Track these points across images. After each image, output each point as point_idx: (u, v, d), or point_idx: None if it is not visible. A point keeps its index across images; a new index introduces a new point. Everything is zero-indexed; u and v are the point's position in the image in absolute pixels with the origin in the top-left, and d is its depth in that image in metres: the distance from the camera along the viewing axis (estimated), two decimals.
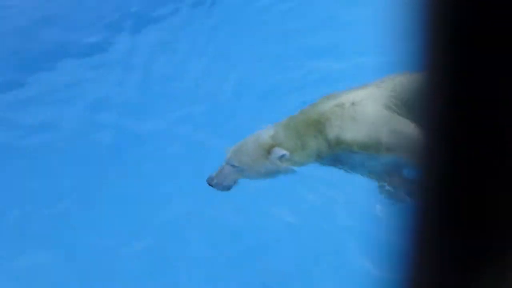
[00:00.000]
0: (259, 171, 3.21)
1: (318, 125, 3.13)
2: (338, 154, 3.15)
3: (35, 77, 5.08)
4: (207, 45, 5.07)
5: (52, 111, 4.67)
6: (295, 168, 3.21)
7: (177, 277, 3.46)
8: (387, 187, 3.13)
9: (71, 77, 4.99)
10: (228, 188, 3.27)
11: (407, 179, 3.08)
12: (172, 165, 3.98)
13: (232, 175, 3.24)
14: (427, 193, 0.77)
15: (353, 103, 3.09)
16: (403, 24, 0.66)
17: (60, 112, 4.65)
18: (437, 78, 0.76)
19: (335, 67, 4.43)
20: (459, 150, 0.71)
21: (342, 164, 3.20)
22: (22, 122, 4.63)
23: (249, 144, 3.22)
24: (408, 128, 2.96)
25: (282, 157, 3.12)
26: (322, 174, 3.37)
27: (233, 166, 3.23)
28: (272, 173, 3.22)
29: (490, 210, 0.68)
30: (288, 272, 3.37)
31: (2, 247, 3.81)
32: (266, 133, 3.21)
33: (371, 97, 3.10)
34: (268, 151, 3.15)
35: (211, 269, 3.44)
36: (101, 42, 5.28)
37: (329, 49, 4.64)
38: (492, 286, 0.73)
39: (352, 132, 3.04)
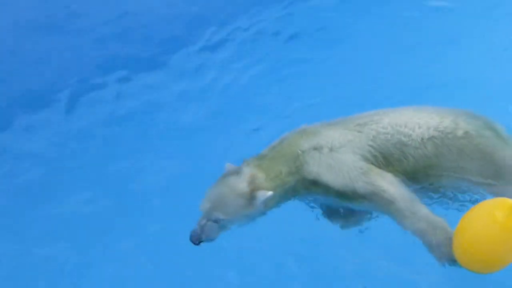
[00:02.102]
0: (245, 219, 3.11)
1: (293, 166, 3.07)
2: (314, 196, 3.14)
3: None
4: None
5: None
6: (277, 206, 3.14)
7: None
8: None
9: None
10: (215, 238, 3.13)
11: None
12: None
13: (216, 230, 3.10)
14: None
15: (331, 149, 3.05)
16: None
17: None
18: None
19: None
20: None
21: (316, 201, 3.20)
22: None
23: (226, 195, 3.07)
24: (383, 181, 2.97)
25: (267, 198, 3.01)
26: None
27: (215, 221, 3.07)
28: (256, 217, 3.12)
29: None
30: None
31: None
32: (237, 179, 3.07)
33: (349, 145, 3.06)
34: (250, 198, 3.02)
35: None
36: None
37: None
38: None
39: (329, 180, 3.02)
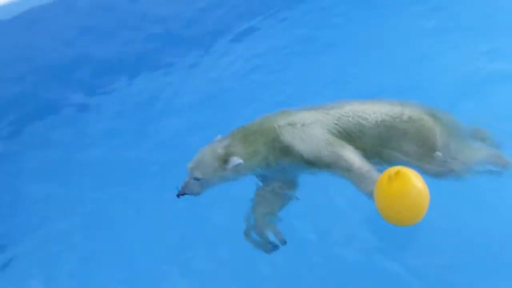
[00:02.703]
0: (219, 180, 3.68)
1: (269, 138, 3.67)
2: (283, 165, 3.72)
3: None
4: None
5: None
6: (247, 174, 3.72)
7: None
8: None
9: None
10: (198, 194, 3.70)
11: None
12: None
13: (197, 187, 3.67)
14: None
15: (303, 125, 3.68)
16: None
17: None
18: None
19: None
20: None
21: (285, 173, 3.78)
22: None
23: (206, 157, 3.65)
24: (344, 149, 3.62)
25: (238, 165, 3.60)
26: None
27: (196, 179, 3.65)
28: (229, 179, 3.69)
29: None
30: None
31: None
32: (219, 145, 3.66)
33: (318, 122, 3.69)
34: (224, 161, 3.61)
35: None
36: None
37: None
38: None
39: (300, 149, 3.64)
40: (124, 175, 4.50)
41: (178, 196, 3.67)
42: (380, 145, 3.69)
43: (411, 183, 3.20)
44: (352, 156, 3.59)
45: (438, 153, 3.67)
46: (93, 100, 5.47)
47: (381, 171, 3.55)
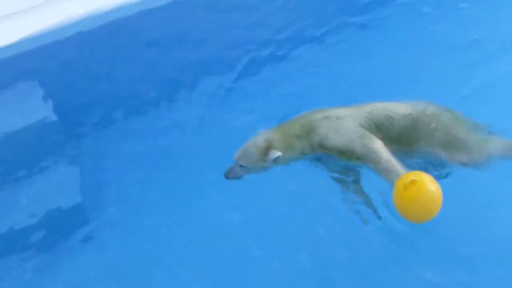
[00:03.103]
0: (259, 168, 4.06)
1: (306, 131, 4.01)
2: (319, 155, 4.05)
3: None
4: None
5: None
6: (286, 164, 4.06)
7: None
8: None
9: None
10: (239, 178, 4.11)
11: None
12: None
13: (240, 172, 4.10)
14: None
15: (337, 118, 4.01)
16: None
17: None
18: None
19: None
20: None
21: (321, 162, 4.10)
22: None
23: (250, 148, 4.04)
24: (374, 143, 3.91)
25: (277, 158, 3.97)
26: None
27: (240, 166, 4.07)
28: (270, 168, 4.06)
29: None
30: None
31: None
32: (261, 138, 4.04)
33: (352, 116, 4.02)
34: (265, 153, 3.98)
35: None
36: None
37: None
38: None
39: (334, 141, 3.96)
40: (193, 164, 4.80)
41: (225, 176, 4.10)
42: (406, 136, 4.00)
43: (423, 191, 3.48)
44: (380, 149, 3.88)
45: (460, 143, 3.99)
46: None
47: (406, 162, 3.89)
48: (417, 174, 3.56)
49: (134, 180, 4.82)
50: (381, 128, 3.99)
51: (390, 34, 6.02)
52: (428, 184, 3.48)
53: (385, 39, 5.97)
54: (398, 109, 4.06)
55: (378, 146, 3.89)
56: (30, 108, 5.35)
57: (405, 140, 3.99)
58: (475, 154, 3.98)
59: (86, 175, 4.87)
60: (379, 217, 3.98)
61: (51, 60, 5.92)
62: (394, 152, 3.94)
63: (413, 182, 3.45)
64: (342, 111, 4.08)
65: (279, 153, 3.97)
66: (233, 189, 4.28)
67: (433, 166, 4.04)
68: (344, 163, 4.03)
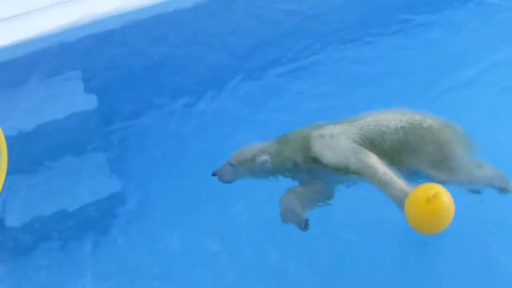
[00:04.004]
0: (248, 171, 4.20)
1: (300, 146, 4.11)
2: (315, 171, 4.12)
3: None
4: None
5: None
6: (276, 174, 4.18)
7: None
8: None
9: None
10: (229, 182, 4.24)
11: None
12: None
13: (228, 171, 4.23)
14: None
15: (331, 135, 4.08)
16: None
17: None
18: None
19: None
20: None
21: (316, 176, 4.14)
22: None
23: (246, 150, 4.22)
24: (369, 158, 3.96)
25: (264, 162, 4.11)
26: None
27: (230, 164, 4.22)
28: (260, 175, 4.20)
29: None
30: None
31: None
32: (260, 144, 4.23)
33: (344, 133, 4.07)
34: (256, 155, 4.14)
35: None
36: None
37: None
38: None
39: (329, 157, 4.04)
40: None
41: (212, 174, 4.23)
42: (398, 150, 4.01)
43: (445, 204, 3.52)
44: (376, 163, 3.92)
45: (451, 162, 3.96)
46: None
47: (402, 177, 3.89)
48: (435, 186, 3.57)
49: (167, 176, 4.98)
50: (374, 143, 4.02)
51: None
52: (449, 197, 3.54)
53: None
54: (390, 122, 4.06)
55: (374, 160, 3.94)
56: (73, 100, 5.73)
57: (397, 155, 4.00)
58: (461, 175, 3.96)
59: (118, 168, 5.07)
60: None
61: (96, 54, 6.25)
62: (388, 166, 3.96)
63: (436, 195, 3.48)
64: (335, 129, 4.13)
65: (266, 157, 4.12)
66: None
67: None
68: (341, 177, 4.08)
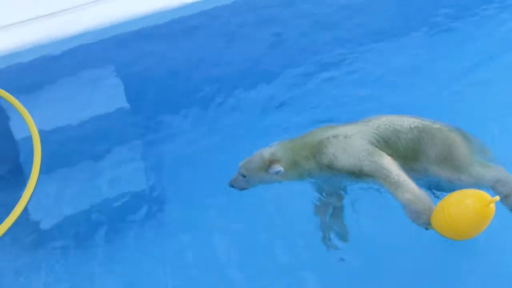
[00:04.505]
0: (262, 180, 4.12)
1: (314, 150, 4.01)
2: (327, 176, 4.10)
3: None
4: None
5: None
6: (290, 180, 4.08)
7: None
8: None
9: None
10: (245, 188, 4.17)
11: None
12: None
13: (242, 182, 4.15)
14: None
15: (345, 136, 4.04)
16: None
17: None
18: None
19: None
20: None
21: (329, 182, 4.16)
22: None
23: (255, 159, 4.08)
24: (383, 159, 3.96)
25: (278, 172, 4.00)
26: None
27: (242, 175, 4.12)
28: (270, 182, 4.12)
29: None
30: None
31: None
32: (268, 150, 4.06)
33: (359, 133, 4.04)
34: (269, 165, 4.01)
35: None
36: None
37: None
38: None
39: (342, 161, 4.00)
40: None
41: (229, 185, 4.18)
42: (412, 149, 4.02)
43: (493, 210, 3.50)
44: (389, 165, 3.91)
45: (456, 161, 3.99)
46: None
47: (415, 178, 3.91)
48: (483, 192, 3.55)
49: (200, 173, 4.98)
50: (389, 143, 4.02)
51: None
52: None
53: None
54: (405, 122, 4.08)
55: (387, 161, 3.93)
56: (103, 96, 5.82)
57: (410, 154, 4.02)
58: (466, 174, 3.97)
59: (152, 165, 5.11)
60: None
61: (126, 50, 6.31)
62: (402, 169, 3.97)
63: (492, 200, 3.45)
64: (350, 129, 4.09)
65: (281, 169, 4.02)
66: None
67: (429, 189, 4.05)
68: (353, 181, 4.07)
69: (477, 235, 3.60)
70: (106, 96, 5.84)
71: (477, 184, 3.93)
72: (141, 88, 5.88)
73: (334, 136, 4.08)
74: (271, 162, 4.07)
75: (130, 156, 5.23)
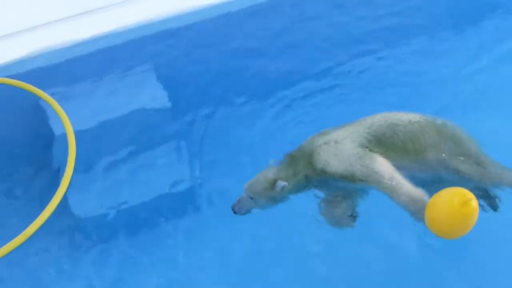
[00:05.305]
0: (269, 200, 4.12)
1: (309, 158, 4.05)
2: (324, 179, 4.11)
3: None
4: None
5: None
6: (294, 194, 4.11)
7: None
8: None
9: None
10: (248, 212, 4.17)
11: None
12: None
13: (248, 204, 4.14)
14: None
15: (336, 142, 4.03)
16: None
17: None
18: None
19: None
20: None
21: (327, 186, 4.17)
22: None
23: (259, 179, 4.10)
24: (375, 162, 3.93)
25: (283, 187, 4.00)
26: None
27: (249, 197, 4.11)
28: (277, 201, 4.13)
29: None
30: None
31: None
32: (270, 171, 4.10)
33: (350, 136, 4.01)
34: (273, 184, 4.03)
35: None
36: None
37: None
38: None
39: (334, 166, 4.00)
40: None
41: (234, 211, 4.19)
42: (413, 142, 3.95)
43: (477, 207, 3.52)
44: (382, 168, 3.88)
45: (478, 158, 3.93)
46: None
47: (415, 177, 3.89)
48: (464, 189, 3.55)
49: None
50: (383, 139, 3.96)
51: None
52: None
53: None
54: (403, 116, 4.03)
55: (379, 164, 3.90)
56: (145, 93, 5.99)
57: (411, 148, 3.96)
58: (491, 172, 3.93)
59: (193, 160, 5.23)
60: None
61: (169, 47, 6.50)
62: (400, 166, 3.93)
63: (472, 199, 3.48)
64: (341, 133, 4.07)
65: (284, 183, 4.04)
66: None
67: (438, 184, 3.91)
68: (349, 186, 4.07)
69: (465, 234, 3.61)
70: (146, 95, 5.99)
71: (499, 185, 3.96)
72: (181, 87, 6.10)
73: (325, 143, 4.08)
74: (275, 179, 4.12)
75: (169, 155, 5.36)
